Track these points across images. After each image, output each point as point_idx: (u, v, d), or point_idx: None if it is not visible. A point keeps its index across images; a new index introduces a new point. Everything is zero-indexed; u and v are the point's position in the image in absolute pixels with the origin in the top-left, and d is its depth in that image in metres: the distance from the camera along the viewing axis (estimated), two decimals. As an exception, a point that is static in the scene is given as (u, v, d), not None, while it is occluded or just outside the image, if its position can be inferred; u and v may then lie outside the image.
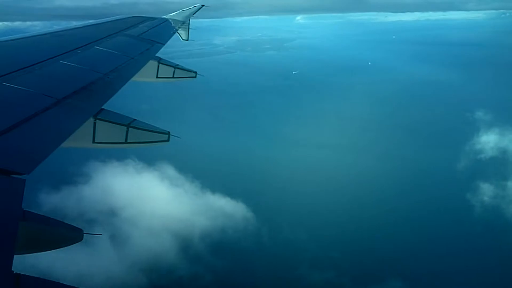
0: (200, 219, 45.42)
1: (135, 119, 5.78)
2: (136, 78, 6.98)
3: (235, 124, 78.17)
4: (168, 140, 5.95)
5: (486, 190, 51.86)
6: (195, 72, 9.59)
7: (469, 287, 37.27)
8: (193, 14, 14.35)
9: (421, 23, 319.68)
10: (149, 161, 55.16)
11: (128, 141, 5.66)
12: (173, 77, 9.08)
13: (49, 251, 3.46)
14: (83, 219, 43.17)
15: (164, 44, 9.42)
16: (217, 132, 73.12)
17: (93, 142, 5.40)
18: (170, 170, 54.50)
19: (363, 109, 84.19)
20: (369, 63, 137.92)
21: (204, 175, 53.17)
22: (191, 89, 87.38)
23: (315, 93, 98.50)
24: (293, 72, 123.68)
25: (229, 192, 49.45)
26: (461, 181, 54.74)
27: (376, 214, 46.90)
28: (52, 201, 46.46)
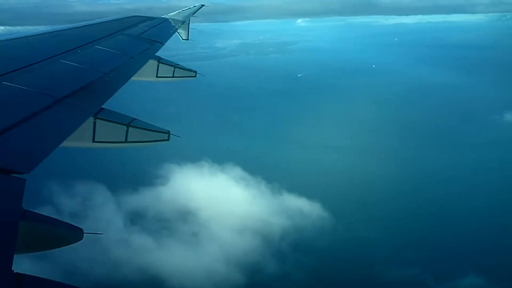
0: (278, 218, 46.90)
1: (135, 119, 5.78)
2: (136, 77, 6.98)
3: (252, 127, 78.35)
4: (168, 139, 5.95)
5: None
6: (195, 72, 9.58)
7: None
8: (193, 14, 14.35)
9: (422, 26, 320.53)
10: (222, 162, 57.67)
11: (128, 140, 5.66)
12: (173, 77, 9.08)
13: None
14: (162, 218, 45.75)
15: (164, 44, 9.41)
16: (236, 134, 73.50)
17: (93, 141, 5.40)
18: (240, 171, 56.51)
19: (373, 111, 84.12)
20: (373, 66, 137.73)
21: (275, 176, 54.67)
22: (199, 91, 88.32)
23: (323, 96, 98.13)
24: (298, 75, 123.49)
25: (302, 192, 50.81)
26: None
27: (444, 210, 48.40)
28: (132, 202, 48.70)
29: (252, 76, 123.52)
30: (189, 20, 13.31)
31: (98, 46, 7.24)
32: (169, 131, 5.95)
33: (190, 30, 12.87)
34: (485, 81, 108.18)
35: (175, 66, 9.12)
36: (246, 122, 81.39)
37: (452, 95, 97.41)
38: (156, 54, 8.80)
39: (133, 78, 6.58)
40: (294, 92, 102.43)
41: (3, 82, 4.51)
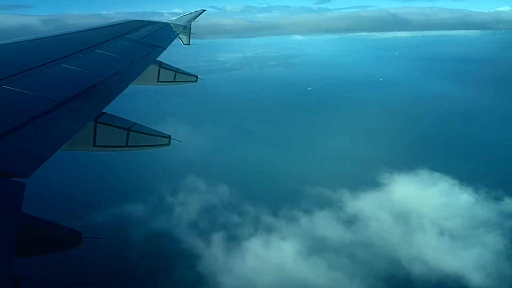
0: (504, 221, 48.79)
1: (136, 123, 5.77)
2: (137, 82, 6.97)
3: (285, 139, 78.22)
4: (168, 144, 5.94)
5: None
6: (196, 76, 9.58)
7: None
8: (194, 19, 14.34)
9: (418, 39, 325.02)
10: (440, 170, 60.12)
11: (129, 144, 5.66)
12: (174, 81, 9.07)
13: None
14: (384, 221, 48.99)
15: (165, 48, 9.41)
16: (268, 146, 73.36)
17: (94, 145, 5.39)
18: (448, 179, 58.49)
19: (395, 124, 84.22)
20: (380, 79, 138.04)
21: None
22: (214, 105, 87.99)
23: (339, 109, 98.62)
24: (308, 88, 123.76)
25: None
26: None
27: None
28: (356, 205, 52.27)
29: (262, 90, 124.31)
30: (190, 25, 13.31)
31: (99, 51, 7.25)
32: (169, 136, 5.95)
33: (191, 38, 12.86)
34: (497, 93, 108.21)
35: (176, 70, 9.13)
36: (275, 134, 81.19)
37: (473, 109, 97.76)
38: (158, 59, 8.80)
39: (134, 82, 6.58)
40: (310, 105, 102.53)
41: (3, 86, 4.51)
